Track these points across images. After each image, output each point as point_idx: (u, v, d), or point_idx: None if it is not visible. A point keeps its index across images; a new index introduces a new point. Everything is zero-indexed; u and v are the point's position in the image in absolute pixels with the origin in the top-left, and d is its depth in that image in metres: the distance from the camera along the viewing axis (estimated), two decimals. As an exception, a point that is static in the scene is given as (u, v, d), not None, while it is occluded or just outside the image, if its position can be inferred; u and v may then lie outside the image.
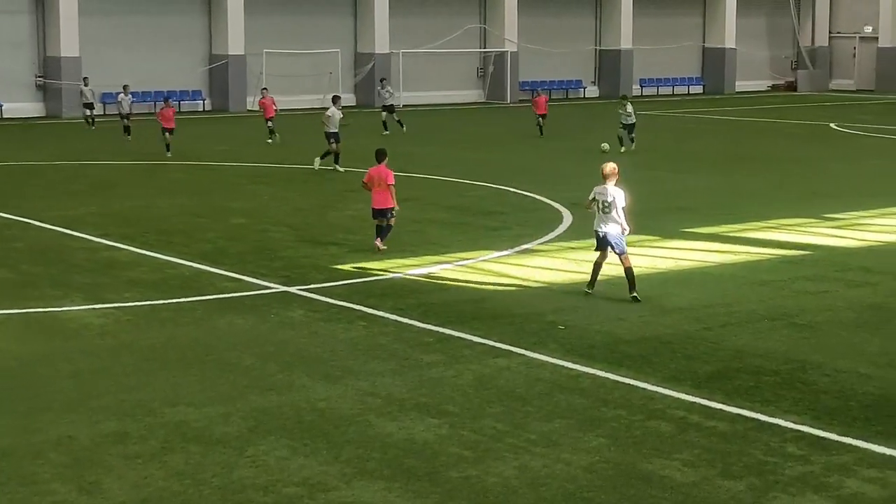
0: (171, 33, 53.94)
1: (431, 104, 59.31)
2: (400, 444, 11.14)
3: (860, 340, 14.91)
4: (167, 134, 36.33)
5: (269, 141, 39.69)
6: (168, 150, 36.02)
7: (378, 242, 20.38)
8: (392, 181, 20.43)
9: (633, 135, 37.67)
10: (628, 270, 16.88)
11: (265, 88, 44.00)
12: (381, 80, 49.54)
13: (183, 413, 12.02)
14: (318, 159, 32.04)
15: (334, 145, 32.02)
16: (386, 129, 43.37)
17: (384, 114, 44.84)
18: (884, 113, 54.13)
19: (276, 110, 40.96)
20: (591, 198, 17.11)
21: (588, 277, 17.47)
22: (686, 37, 69.63)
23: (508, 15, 62.00)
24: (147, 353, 14.33)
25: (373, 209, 20.56)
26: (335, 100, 34.14)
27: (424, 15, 60.16)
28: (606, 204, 16.84)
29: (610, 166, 17.09)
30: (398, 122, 44.41)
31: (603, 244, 17.11)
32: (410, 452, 10.94)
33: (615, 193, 16.82)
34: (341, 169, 31.56)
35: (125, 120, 41.50)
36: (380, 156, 20.81)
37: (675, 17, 69.13)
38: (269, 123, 40.38)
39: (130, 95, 43.26)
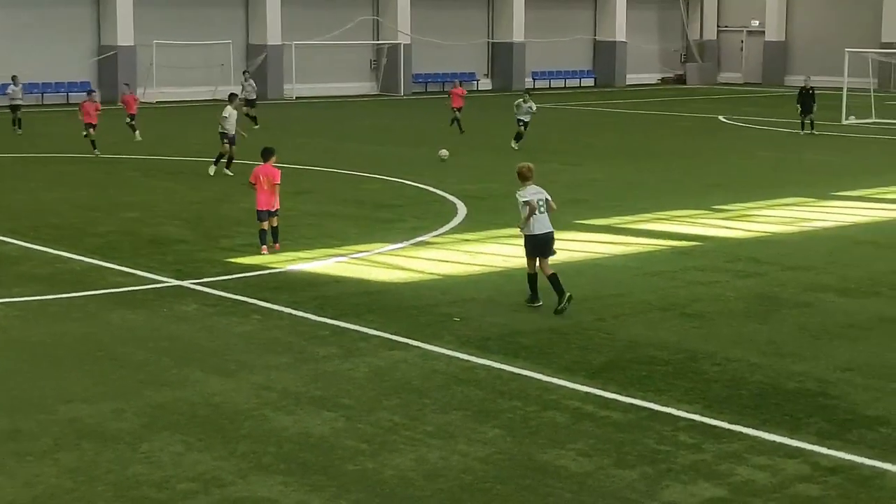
0: (58, 24, 53.12)
1: (325, 96, 59.12)
2: (296, 438, 11.11)
3: (750, 330, 15.18)
4: (91, 130, 33.85)
5: (139, 139, 37.65)
6: (94, 148, 33.56)
7: (265, 250, 19.54)
8: (279, 181, 19.65)
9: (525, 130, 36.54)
10: (554, 276, 15.98)
11: (127, 84, 42.86)
12: (244, 73, 47.13)
13: (76, 409, 11.86)
14: (212, 166, 29.73)
15: (227, 147, 29.56)
16: (256, 124, 41.71)
17: (247, 108, 42.75)
18: (770, 105, 55.09)
19: (138, 107, 39.26)
20: (525, 201, 15.94)
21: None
22: (577, 30, 70.23)
23: (401, 7, 61.99)
24: (37, 349, 14.11)
25: (258, 211, 19.71)
26: (231, 98, 31.33)
27: (317, 6, 59.93)
28: (542, 203, 16.05)
29: (529, 165, 16.33)
30: (252, 117, 42.28)
31: (543, 248, 16.15)
32: (306, 446, 10.91)
33: (543, 190, 16.24)
34: (230, 173, 29.12)
35: (16, 112, 40.44)
36: (266, 154, 19.90)
37: (567, 10, 69.69)
38: (130, 120, 38.33)
39: (21, 86, 42.09)
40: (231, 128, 29.63)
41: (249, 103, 43.29)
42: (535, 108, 36.64)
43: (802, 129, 40.99)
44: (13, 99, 40.74)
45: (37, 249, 20.12)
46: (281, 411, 11.87)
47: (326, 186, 27.80)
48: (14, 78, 41.87)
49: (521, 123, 36.28)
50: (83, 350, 14.04)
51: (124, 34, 53.92)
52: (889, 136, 41.41)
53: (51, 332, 14.84)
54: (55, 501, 9.66)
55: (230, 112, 29.78)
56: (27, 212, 23.99)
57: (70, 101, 53.45)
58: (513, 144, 35.88)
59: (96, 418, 11.60)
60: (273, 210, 19.64)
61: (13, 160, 33.17)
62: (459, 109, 41.36)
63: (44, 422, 11.49)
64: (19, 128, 39.94)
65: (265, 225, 19.71)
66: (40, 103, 52.63)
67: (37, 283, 17.58)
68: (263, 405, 12.04)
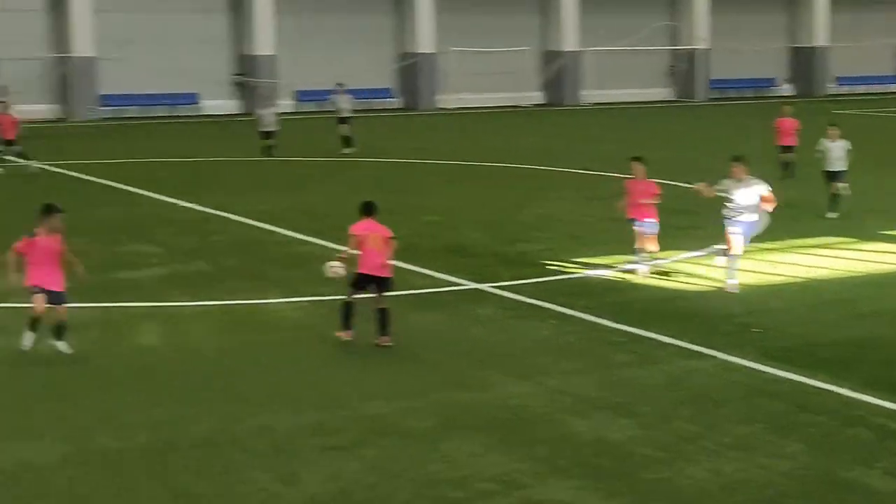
0: (362, 32, 54.75)
1: (619, 102, 58.93)
2: (591, 444, 11.12)
3: None
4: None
5: (35, 170, 31.02)
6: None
7: (27, 340, 13.73)
8: (68, 257, 13.74)
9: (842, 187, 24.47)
10: None
11: (3, 101, 33.74)
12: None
13: (377, 406, 12.20)
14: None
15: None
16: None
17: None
18: None
19: (18, 126, 31.32)
20: None
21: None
22: (888, 32, 67.66)
23: (699, 12, 61.24)
24: (342, 346, 14.55)
25: (40, 290, 13.58)
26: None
27: (613, 12, 59.85)
28: None
29: None
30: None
31: None
32: (602, 452, 10.91)
33: None
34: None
35: (344, 123, 36.40)
36: (46, 214, 13.65)
37: (873, 12, 67.30)
38: (9, 146, 31.09)
39: (346, 94, 37.71)
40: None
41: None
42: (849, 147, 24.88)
43: None
44: (339, 110, 36.79)
45: (340, 250, 20.71)
46: (577, 416, 11.90)
47: (620, 193, 27.62)
48: (340, 85, 38.35)
49: (832, 178, 24.49)
50: (385, 349, 14.41)
51: (425, 41, 55.14)
52: None
53: (354, 331, 15.27)
54: (357, 496, 9.96)
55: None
56: (329, 214, 24.76)
57: (372, 108, 55.09)
58: (830, 214, 24.07)
59: (397, 416, 11.90)
60: (53, 293, 13.56)
61: (316, 164, 34.31)
62: (791, 149, 30.12)
63: (347, 417, 11.86)
64: (348, 146, 36.04)
65: (39, 309, 13.60)
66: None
67: (341, 283, 18.08)
68: (559, 409, 12.10)
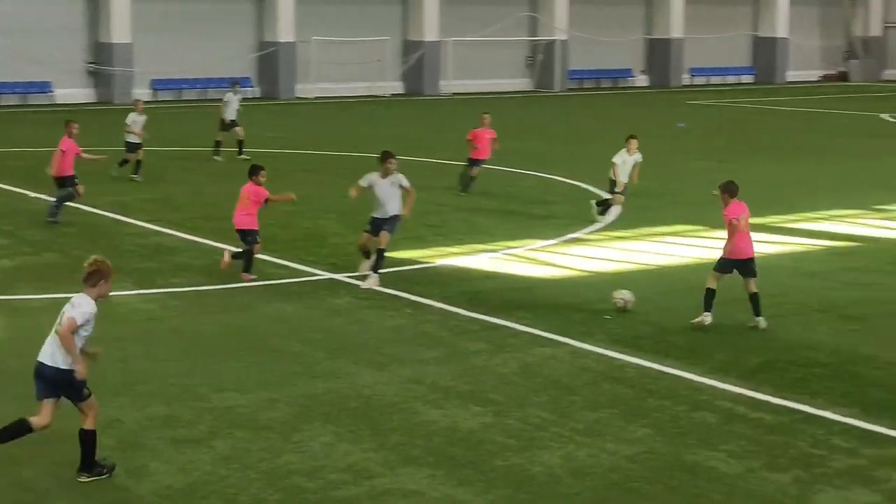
0: (221, 20, 54.03)
1: (479, 93, 59.21)
2: (444, 432, 11.17)
3: (910, 333, 14.77)
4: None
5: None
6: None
7: None
8: None
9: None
10: None
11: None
12: None
13: (230, 399, 12.10)
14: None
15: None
16: None
17: None
18: (937, 104, 53.51)
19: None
20: None
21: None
22: (737, 26, 69.11)
23: (559, 3, 61.77)
24: (195, 338, 14.42)
25: None
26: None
27: (474, 3, 60.04)
28: None
29: None
30: None
31: None
32: (455, 440, 10.97)
33: None
34: None
35: (236, 127, 32.11)
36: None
37: (727, 5, 68.61)
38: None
39: (240, 95, 33.68)
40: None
41: None
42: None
43: None
44: (228, 112, 32.49)
45: (195, 241, 20.55)
46: (430, 405, 11.94)
47: (479, 182, 27.79)
48: (235, 84, 34.63)
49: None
50: (239, 340, 14.31)
51: (285, 30, 54.69)
52: None
53: (208, 322, 15.16)
54: (209, 488, 9.87)
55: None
56: (187, 204, 24.50)
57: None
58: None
59: (250, 408, 11.82)
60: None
61: (176, 154, 33.85)
62: (479, 164, 26.45)
63: (199, 410, 11.75)
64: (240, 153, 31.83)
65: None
66: (202, 98, 53.70)
67: (195, 274, 17.96)
68: (413, 398, 12.14)
